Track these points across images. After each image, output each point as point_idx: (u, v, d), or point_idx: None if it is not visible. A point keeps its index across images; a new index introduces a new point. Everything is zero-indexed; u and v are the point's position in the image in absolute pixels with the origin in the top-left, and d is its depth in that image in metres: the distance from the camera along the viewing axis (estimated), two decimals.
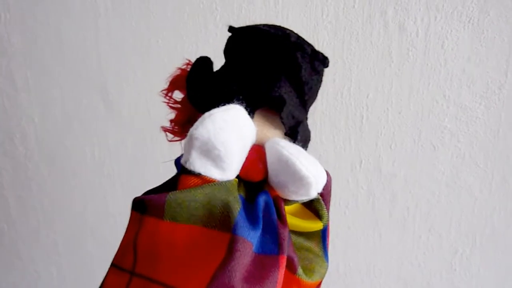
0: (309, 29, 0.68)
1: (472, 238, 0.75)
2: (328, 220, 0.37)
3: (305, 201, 0.35)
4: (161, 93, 0.37)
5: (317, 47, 0.70)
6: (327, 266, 0.37)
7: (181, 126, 0.37)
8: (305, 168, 0.31)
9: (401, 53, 0.68)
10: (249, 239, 0.30)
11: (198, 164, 0.31)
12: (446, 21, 0.66)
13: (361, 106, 0.71)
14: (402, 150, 0.72)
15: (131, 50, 0.76)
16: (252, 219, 0.31)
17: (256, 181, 0.34)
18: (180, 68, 0.37)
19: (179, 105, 0.37)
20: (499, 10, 0.64)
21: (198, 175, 0.31)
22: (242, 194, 0.33)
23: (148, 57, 0.76)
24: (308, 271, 0.35)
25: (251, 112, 0.32)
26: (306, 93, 0.35)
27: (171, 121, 0.38)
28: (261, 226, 0.32)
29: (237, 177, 0.35)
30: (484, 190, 0.72)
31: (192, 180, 0.31)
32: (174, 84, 0.36)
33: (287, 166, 0.31)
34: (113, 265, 0.32)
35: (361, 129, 0.72)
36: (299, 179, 0.31)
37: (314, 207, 0.36)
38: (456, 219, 0.74)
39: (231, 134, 0.30)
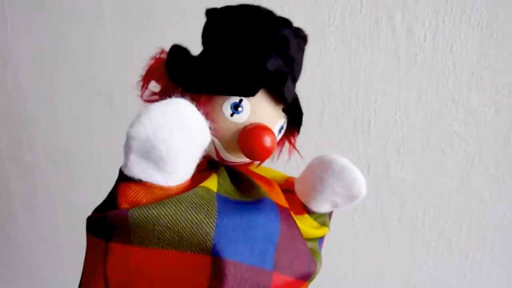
0: (316, 34, 0.68)
1: (482, 243, 0.74)
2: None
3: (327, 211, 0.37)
4: (136, 86, 0.35)
5: (324, 52, 0.70)
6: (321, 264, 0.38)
7: None
8: (359, 171, 0.34)
9: (409, 57, 0.67)
10: (238, 259, 0.28)
11: (138, 169, 0.28)
12: (455, 24, 0.65)
13: (369, 111, 0.70)
14: (410, 155, 0.71)
15: (137, 56, 0.76)
16: (243, 223, 0.29)
17: (261, 160, 0.33)
18: (153, 57, 0.35)
19: (156, 96, 0.35)
20: (509, 13, 0.63)
21: (139, 182, 0.28)
22: (227, 193, 0.32)
23: None
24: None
25: (253, 94, 0.31)
26: (295, 70, 0.34)
27: None
28: (259, 231, 0.29)
29: (226, 168, 0.34)
30: (494, 195, 0.71)
31: (133, 189, 0.28)
32: (150, 74, 0.35)
33: (346, 169, 0.33)
34: None
35: (369, 134, 0.71)
36: (355, 180, 0.33)
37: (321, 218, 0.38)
38: (466, 224, 0.73)
39: (172, 130, 0.26)
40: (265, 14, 0.33)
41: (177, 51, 0.34)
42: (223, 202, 0.30)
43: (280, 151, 0.39)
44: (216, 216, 0.28)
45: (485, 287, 0.76)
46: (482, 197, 0.71)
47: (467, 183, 0.71)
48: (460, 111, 0.68)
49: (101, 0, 0.74)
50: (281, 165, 0.40)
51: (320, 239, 0.39)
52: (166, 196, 0.29)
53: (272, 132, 0.31)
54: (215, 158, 0.34)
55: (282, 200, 0.34)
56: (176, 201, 0.28)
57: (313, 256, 0.35)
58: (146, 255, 0.28)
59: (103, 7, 0.74)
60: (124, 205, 0.28)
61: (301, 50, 0.34)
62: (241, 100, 0.31)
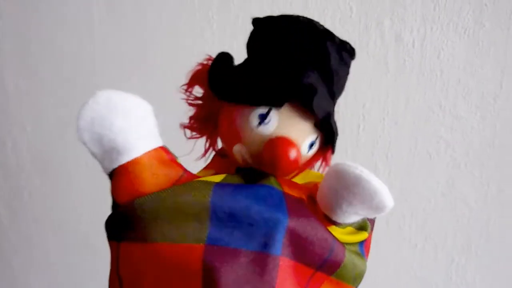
0: None
1: (467, 247, 0.75)
2: (371, 230, 0.36)
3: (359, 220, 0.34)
4: (181, 89, 0.35)
5: None
6: (366, 266, 0.35)
7: (201, 123, 0.36)
8: (377, 181, 0.29)
9: (397, 63, 0.68)
10: (234, 245, 0.28)
11: (107, 162, 0.30)
12: (442, 32, 0.66)
13: (357, 116, 0.71)
14: (398, 160, 0.72)
15: (126, 58, 0.75)
16: (240, 211, 0.29)
17: (282, 174, 0.32)
18: (200, 63, 0.35)
19: (199, 101, 0.35)
20: (494, 22, 0.64)
21: (115, 171, 0.30)
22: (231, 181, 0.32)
23: (143, 65, 0.75)
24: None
25: (279, 105, 0.30)
26: (335, 84, 0.32)
27: (191, 117, 0.36)
28: (259, 217, 0.29)
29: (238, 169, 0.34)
30: (479, 200, 0.72)
31: (116, 181, 0.30)
32: (194, 79, 0.35)
33: (360, 182, 0.29)
34: None
35: (357, 138, 0.72)
36: (374, 193, 0.29)
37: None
38: (452, 228, 0.74)
39: (103, 115, 0.29)
40: (307, 25, 0.32)
41: (221, 59, 0.34)
42: (220, 189, 0.30)
43: (320, 165, 0.37)
44: (210, 206, 0.29)
45: None
46: (468, 202, 0.73)
47: (453, 187, 0.72)
48: (447, 117, 0.69)
49: (90, 0, 0.73)
50: None
51: (361, 243, 0.35)
52: (148, 169, 0.30)
53: (295, 146, 0.30)
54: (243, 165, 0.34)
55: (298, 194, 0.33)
56: (173, 194, 0.29)
57: (341, 245, 0.32)
58: (148, 249, 0.29)
59: (92, 7, 0.74)
60: (120, 199, 0.30)
61: (345, 64, 0.33)
62: (268, 111, 0.31)
